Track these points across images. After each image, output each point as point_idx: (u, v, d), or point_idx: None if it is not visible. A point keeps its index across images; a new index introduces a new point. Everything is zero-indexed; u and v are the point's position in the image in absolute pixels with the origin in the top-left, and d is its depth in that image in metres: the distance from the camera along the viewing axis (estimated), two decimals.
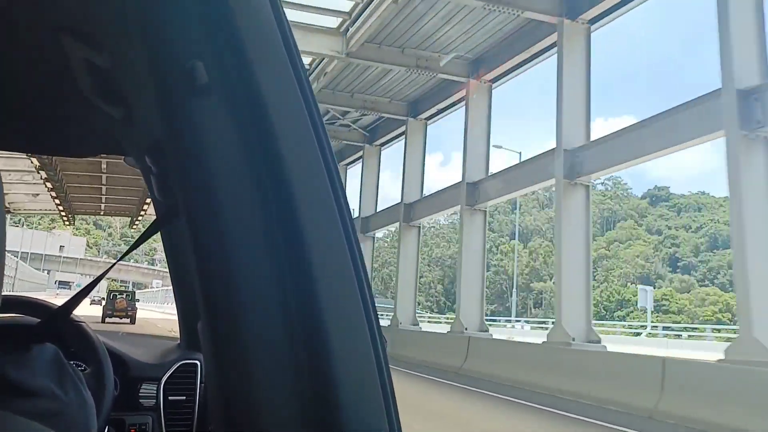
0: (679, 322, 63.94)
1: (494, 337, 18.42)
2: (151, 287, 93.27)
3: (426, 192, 23.11)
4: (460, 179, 19.03)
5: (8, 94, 1.01)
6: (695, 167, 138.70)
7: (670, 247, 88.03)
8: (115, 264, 1.10)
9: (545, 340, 14.82)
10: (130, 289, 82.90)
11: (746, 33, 10.68)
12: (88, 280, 1.30)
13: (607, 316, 71.57)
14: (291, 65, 0.67)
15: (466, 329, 17.36)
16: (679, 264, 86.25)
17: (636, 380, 10.80)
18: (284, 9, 0.69)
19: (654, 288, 75.56)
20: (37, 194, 33.12)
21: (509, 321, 61.42)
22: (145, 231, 0.90)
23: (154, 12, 0.65)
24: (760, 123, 10.23)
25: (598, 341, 14.29)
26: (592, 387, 11.53)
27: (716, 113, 10.92)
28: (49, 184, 30.17)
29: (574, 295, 14.23)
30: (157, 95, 0.68)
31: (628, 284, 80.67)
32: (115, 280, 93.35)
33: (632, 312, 72.87)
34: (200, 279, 0.65)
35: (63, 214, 39.28)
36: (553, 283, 13.87)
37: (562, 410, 10.79)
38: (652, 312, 70.36)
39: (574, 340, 13.94)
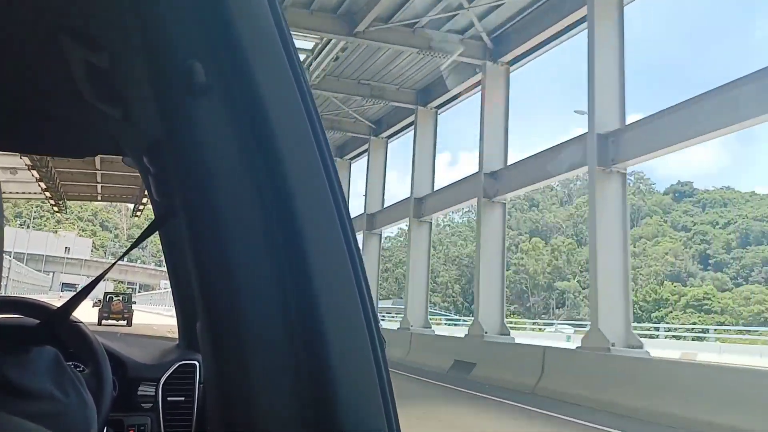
0: (723, 323, 58.99)
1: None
2: (159, 288, 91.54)
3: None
4: (410, 193, 21.05)
5: (8, 94, 1.03)
6: (714, 162, 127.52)
7: (700, 244, 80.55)
8: (113, 265, 1.14)
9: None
10: (138, 290, 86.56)
11: (608, 89, 12.88)
12: None
13: (643, 317, 65.09)
14: (289, 65, 0.68)
15: None
16: (710, 261, 78.72)
17: None
18: (282, 9, 0.69)
19: (687, 286, 72.53)
20: (16, 170, 26.46)
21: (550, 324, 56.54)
22: (143, 231, 0.91)
23: (152, 12, 0.66)
24: (614, 161, 12.40)
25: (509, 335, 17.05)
26: None
27: (583, 151, 13.34)
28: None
29: (491, 296, 16.84)
30: (155, 95, 0.69)
31: (664, 282, 73.53)
32: (122, 282, 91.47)
33: (671, 312, 67.71)
34: (199, 279, 0.66)
35: (49, 195, 32.65)
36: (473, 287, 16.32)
37: None
38: (691, 312, 65.79)
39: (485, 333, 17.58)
